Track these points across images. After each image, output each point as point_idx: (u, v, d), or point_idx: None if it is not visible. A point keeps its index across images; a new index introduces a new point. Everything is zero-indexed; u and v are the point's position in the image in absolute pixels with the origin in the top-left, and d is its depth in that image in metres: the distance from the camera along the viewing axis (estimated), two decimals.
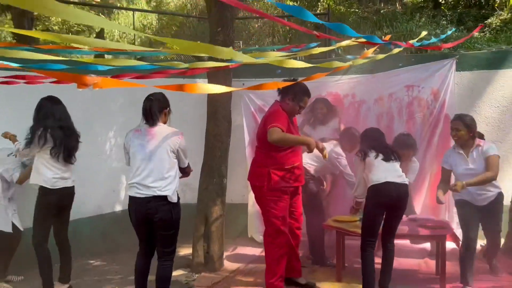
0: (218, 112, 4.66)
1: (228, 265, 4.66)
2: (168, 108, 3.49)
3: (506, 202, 4.13)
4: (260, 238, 5.62)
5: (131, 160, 3.38)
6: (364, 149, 3.90)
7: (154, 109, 3.37)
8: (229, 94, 4.78)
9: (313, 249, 4.73)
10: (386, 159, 3.79)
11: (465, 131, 3.90)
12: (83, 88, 1.91)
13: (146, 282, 3.45)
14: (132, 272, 3.46)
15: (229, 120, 4.79)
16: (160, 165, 3.28)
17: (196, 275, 4.39)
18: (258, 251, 5.23)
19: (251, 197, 5.72)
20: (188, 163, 3.56)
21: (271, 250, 3.82)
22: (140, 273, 3.43)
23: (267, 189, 3.74)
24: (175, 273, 3.92)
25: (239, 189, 5.57)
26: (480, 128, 5.22)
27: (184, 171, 3.57)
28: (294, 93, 3.80)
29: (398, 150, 4.05)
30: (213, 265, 4.47)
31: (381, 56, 4.04)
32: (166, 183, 3.27)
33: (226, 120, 4.73)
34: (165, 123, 3.47)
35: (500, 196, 3.98)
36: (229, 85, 4.59)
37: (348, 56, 5.47)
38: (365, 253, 3.74)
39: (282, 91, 3.85)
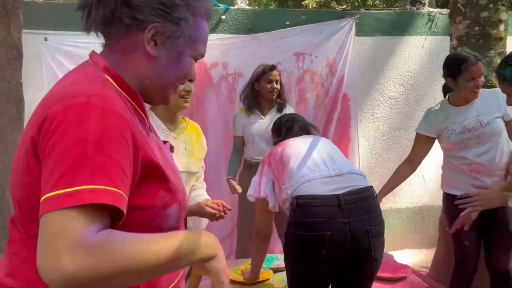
0: None
1: None
2: None
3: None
4: None
5: None
6: None
7: None
8: (14, 53, 2.57)
9: None
10: None
11: None
12: None
13: None
14: None
15: (20, 99, 2.56)
16: None
17: None
18: None
19: None
20: None
21: None
22: None
23: None
24: None
25: None
26: (384, 111, 4.11)
27: None
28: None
29: None
30: None
31: None
32: None
33: (14, 99, 2.49)
34: None
35: None
36: (17, 36, 2.42)
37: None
38: None
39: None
